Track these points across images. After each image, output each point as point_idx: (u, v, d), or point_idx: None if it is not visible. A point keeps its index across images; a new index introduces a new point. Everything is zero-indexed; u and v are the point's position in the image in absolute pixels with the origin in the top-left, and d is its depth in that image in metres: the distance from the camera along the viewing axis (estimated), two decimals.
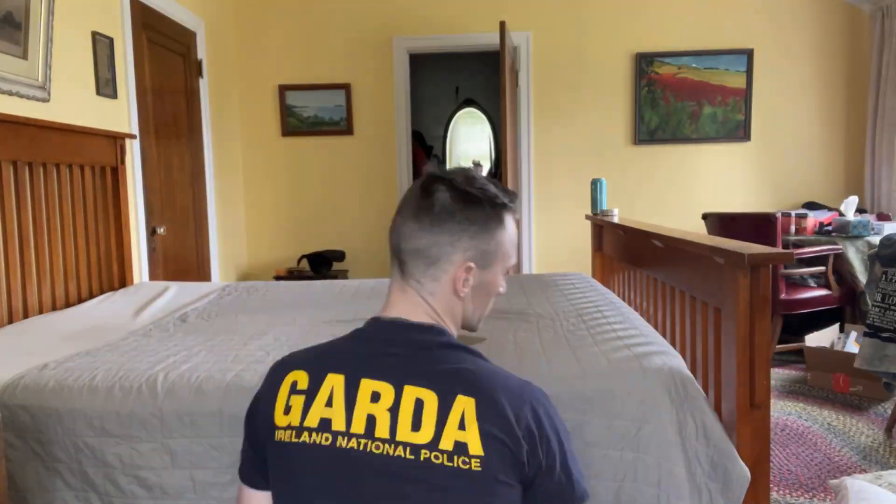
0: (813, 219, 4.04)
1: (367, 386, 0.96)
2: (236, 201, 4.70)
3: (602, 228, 3.39)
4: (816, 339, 3.58)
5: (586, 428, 1.48)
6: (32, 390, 1.57)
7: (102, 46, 3.00)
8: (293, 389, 0.99)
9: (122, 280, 2.98)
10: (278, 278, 4.59)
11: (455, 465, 0.90)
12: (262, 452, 1.04)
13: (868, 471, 2.45)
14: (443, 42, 4.70)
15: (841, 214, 4.01)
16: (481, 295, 1.11)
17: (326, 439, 0.94)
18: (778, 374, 3.60)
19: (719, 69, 4.59)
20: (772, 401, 3.12)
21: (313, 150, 4.79)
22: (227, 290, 2.87)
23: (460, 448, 0.91)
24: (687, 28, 4.60)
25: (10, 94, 2.36)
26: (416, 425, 0.92)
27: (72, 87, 2.78)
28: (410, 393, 0.94)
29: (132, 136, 3.08)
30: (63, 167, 2.58)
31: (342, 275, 4.66)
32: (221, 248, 4.37)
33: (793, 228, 4.03)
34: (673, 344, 2.13)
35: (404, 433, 0.92)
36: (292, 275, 4.60)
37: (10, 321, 2.26)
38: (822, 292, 3.67)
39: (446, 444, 0.91)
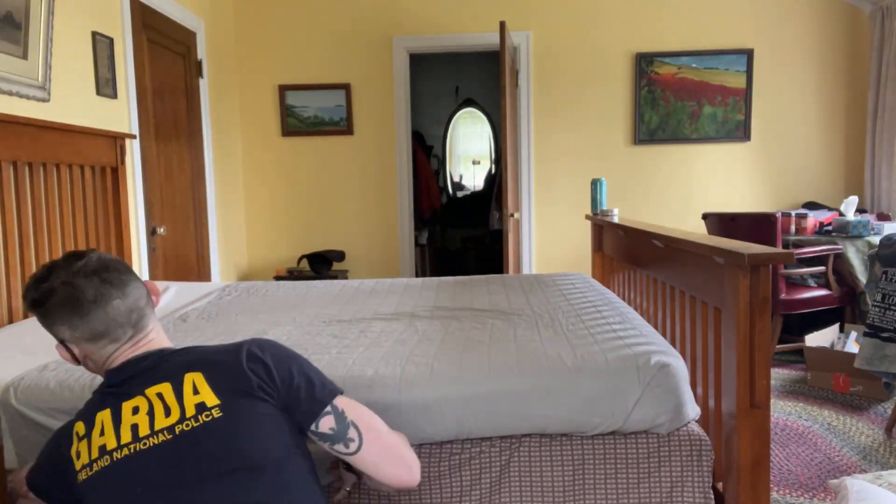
0: (813, 219, 4.04)
1: (126, 406, 1.14)
2: (236, 201, 4.70)
3: (602, 228, 3.39)
4: (816, 339, 3.58)
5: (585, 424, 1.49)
6: (33, 391, 1.57)
7: (102, 46, 3.00)
8: (78, 438, 1.15)
9: None
10: (278, 278, 4.59)
11: (202, 421, 1.10)
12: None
13: (868, 471, 2.45)
14: (443, 42, 4.69)
15: (841, 214, 4.00)
16: None
17: (107, 460, 1.11)
18: (778, 374, 3.60)
19: (719, 69, 4.59)
20: (772, 401, 3.12)
21: (313, 150, 4.79)
22: (228, 290, 2.87)
23: (200, 407, 1.12)
24: (687, 28, 4.60)
25: (10, 94, 2.36)
26: (168, 412, 1.12)
27: (72, 87, 2.78)
28: (152, 392, 1.14)
29: (132, 136, 3.08)
30: (63, 167, 2.58)
31: (342, 275, 4.66)
32: (221, 248, 4.37)
33: (793, 228, 4.02)
34: (673, 344, 2.13)
35: (161, 422, 1.11)
36: (292, 275, 4.60)
37: (10, 321, 2.27)
38: (822, 292, 3.67)
39: (189, 410, 1.12)
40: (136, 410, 1.13)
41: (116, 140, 2.96)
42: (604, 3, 4.61)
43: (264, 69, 4.72)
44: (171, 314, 2.38)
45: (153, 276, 3.42)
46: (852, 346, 3.46)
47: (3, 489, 1.28)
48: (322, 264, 4.60)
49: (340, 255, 4.69)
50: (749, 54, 4.57)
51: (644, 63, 4.61)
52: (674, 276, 2.11)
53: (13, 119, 2.25)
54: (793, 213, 4.05)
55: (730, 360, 1.58)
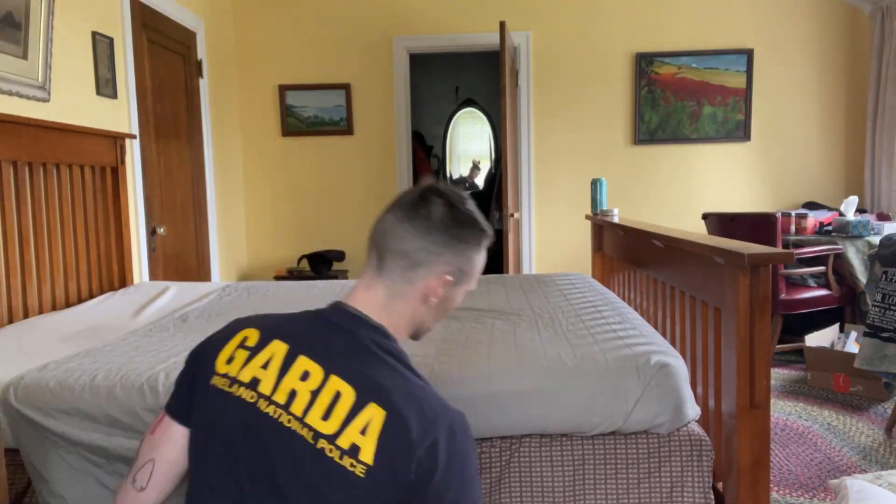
0: (813, 219, 4.04)
1: (302, 363, 1.01)
2: (236, 201, 4.70)
3: (602, 228, 3.39)
4: (816, 339, 3.58)
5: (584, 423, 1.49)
6: (33, 391, 1.57)
7: (102, 46, 3.00)
8: (241, 343, 1.06)
9: (122, 280, 2.98)
10: (278, 278, 4.59)
11: (343, 463, 0.94)
12: (192, 392, 1.08)
13: (868, 471, 2.45)
14: (443, 42, 4.69)
15: (841, 214, 4.00)
16: (442, 309, 1.18)
17: (252, 397, 1.00)
18: (778, 374, 3.60)
19: (719, 69, 4.59)
20: (772, 401, 3.12)
21: (313, 150, 4.78)
22: (228, 290, 2.87)
23: (354, 450, 0.94)
24: (687, 28, 4.60)
25: (10, 94, 2.36)
26: (327, 415, 0.97)
27: (72, 87, 2.78)
28: (334, 383, 0.99)
29: (132, 136, 3.08)
30: (63, 167, 2.58)
31: (342, 275, 4.66)
32: (221, 248, 4.37)
33: (793, 228, 4.03)
34: (673, 344, 2.13)
35: (314, 418, 0.97)
36: (292, 275, 4.60)
37: (10, 321, 2.27)
38: (822, 292, 3.67)
39: (344, 441, 0.95)
40: (305, 375, 1.00)
41: (116, 140, 2.97)
42: (604, 3, 4.61)
43: (264, 69, 4.72)
44: (170, 314, 2.38)
45: (153, 276, 3.42)
46: (852, 346, 3.46)
47: (2, 487, 1.28)
48: (322, 264, 4.60)
49: (340, 255, 4.69)
50: (749, 54, 4.57)
51: (644, 63, 4.61)
52: (674, 276, 2.11)
53: (13, 119, 2.25)
54: (793, 213, 4.05)
55: (730, 360, 1.58)
